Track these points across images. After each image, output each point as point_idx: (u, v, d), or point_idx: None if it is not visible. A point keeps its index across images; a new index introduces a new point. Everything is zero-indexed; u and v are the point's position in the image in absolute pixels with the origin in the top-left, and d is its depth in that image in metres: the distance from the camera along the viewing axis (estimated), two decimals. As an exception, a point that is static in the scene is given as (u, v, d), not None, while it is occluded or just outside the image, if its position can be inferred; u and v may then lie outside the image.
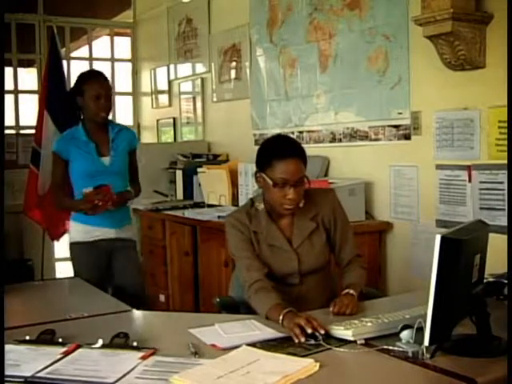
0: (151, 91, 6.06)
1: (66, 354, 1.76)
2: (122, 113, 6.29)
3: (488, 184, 2.97)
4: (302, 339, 1.84)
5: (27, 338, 1.87)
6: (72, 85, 3.27)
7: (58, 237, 4.59)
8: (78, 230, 3.16)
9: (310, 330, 1.86)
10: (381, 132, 3.56)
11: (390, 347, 1.76)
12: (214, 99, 5.15)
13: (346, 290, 2.23)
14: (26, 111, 5.65)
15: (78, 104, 3.13)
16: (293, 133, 4.12)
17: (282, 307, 2.02)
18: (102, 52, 6.24)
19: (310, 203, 2.34)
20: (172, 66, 5.76)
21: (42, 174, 4.38)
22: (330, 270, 2.51)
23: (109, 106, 3.13)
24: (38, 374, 1.61)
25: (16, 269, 4.22)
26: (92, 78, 3.14)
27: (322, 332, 1.86)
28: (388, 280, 3.54)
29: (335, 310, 2.12)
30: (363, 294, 2.36)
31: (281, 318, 1.98)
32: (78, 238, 3.15)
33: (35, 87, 5.60)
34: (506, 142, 2.79)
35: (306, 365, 1.63)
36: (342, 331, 1.87)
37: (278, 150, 2.23)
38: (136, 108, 6.38)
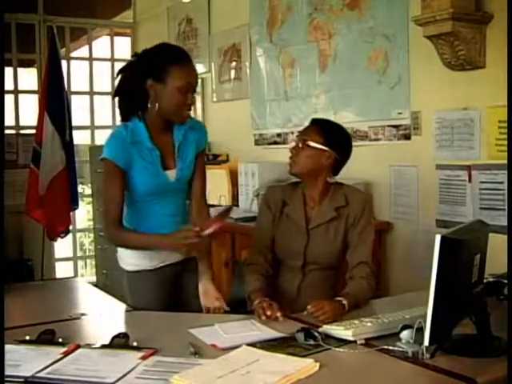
0: (151, 91, 6.04)
1: (66, 354, 1.75)
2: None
3: (488, 184, 2.97)
4: (263, 317, 2.07)
5: (27, 338, 1.87)
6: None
7: (55, 236, 4.60)
8: (135, 255, 2.38)
9: (269, 312, 2.07)
10: (381, 132, 3.56)
11: (390, 347, 1.76)
12: (214, 99, 5.14)
13: (339, 298, 2.16)
14: (26, 111, 5.63)
15: (146, 91, 2.22)
16: (292, 133, 4.11)
17: (262, 294, 2.22)
18: (101, 52, 6.22)
19: (341, 196, 2.42)
20: (172, 66, 5.74)
21: (42, 173, 4.39)
22: (338, 279, 2.49)
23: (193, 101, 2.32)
24: (38, 374, 1.61)
25: (16, 269, 4.23)
26: (183, 60, 2.24)
27: (279, 315, 2.07)
28: (388, 280, 3.53)
29: (310, 310, 2.08)
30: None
31: (256, 302, 2.16)
32: (137, 265, 2.39)
33: (35, 87, 5.58)
34: (506, 142, 2.79)
35: (306, 365, 1.63)
36: (342, 331, 1.87)
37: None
38: (136, 108, 6.33)
